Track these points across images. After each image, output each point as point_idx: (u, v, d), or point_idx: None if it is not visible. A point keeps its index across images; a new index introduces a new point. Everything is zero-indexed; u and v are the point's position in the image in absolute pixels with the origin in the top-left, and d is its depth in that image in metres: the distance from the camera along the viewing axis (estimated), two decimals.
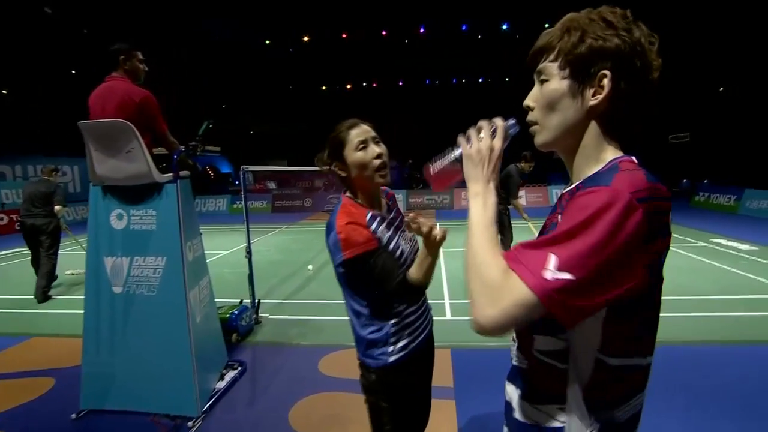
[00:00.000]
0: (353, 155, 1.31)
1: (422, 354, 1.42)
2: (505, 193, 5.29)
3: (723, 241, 7.50)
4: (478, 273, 0.66)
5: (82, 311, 2.62)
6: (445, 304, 4.50)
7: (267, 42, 18.72)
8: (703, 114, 16.00)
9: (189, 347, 2.52)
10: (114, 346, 2.59)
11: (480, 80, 21.89)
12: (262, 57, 19.79)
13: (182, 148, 2.69)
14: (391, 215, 1.44)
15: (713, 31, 13.78)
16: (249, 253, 4.17)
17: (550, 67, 0.74)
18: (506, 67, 19.39)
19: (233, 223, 11.29)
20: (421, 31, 17.92)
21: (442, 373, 2.95)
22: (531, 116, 0.79)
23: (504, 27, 17.25)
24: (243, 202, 4.15)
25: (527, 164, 5.30)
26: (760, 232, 8.22)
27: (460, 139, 0.81)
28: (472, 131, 0.81)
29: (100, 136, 2.44)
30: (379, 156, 1.31)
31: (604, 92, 0.70)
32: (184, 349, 2.52)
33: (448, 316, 4.18)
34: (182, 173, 2.66)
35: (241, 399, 2.79)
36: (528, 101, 0.80)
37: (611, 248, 0.58)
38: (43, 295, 5.03)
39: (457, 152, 0.84)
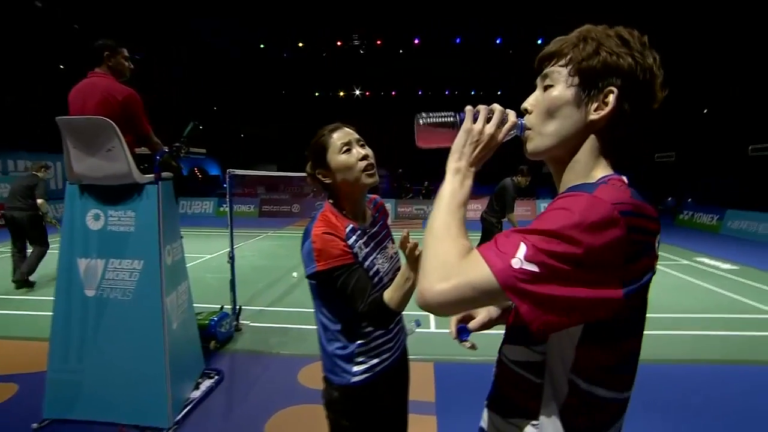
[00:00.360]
0: (337, 158, 1.24)
1: (393, 373, 1.36)
2: (499, 207, 5.20)
3: (706, 260, 7.62)
4: (439, 248, 0.64)
5: (50, 313, 2.51)
6: (430, 316, 4.45)
7: (262, 46, 18.70)
8: (688, 134, 16.39)
9: (163, 354, 2.42)
10: (83, 352, 2.47)
11: (472, 92, 22.14)
12: (256, 60, 19.75)
13: (166, 149, 2.62)
14: (374, 229, 1.36)
15: (701, 53, 14.20)
16: (232, 258, 4.08)
17: (558, 72, 0.72)
18: (499, 80, 19.68)
19: (219, 227, 11.11)
20: (416, 42, 18.10)
21: (424, 388, 2.89)
22: (527, 120, 0.77)
23: (497, 41, 17.53)
24: (228, 206, 4.08)
25: (524, 179, 5.14)
26: (740, 252, 8.39)
27: (468, 110, 0.76)
28: (482, 109, 0.76)
29: (79, 133, 2.36)
30: (364, 157, 1.25)
31: (608, 108, 0.68)
32: (158, 356, 2.42)
33: (432, 329, 4.13)
34: (164, 174, 2.58)
35: (216, 409, 2.69)
36: (526, 104, 0.77)
37: (584, 252, 0.56)
38: (22, 280, 5.14)
39: (458, 118, 0.78)
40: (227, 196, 4.08)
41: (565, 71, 0.71)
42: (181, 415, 2.52)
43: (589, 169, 0.73)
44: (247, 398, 2.82)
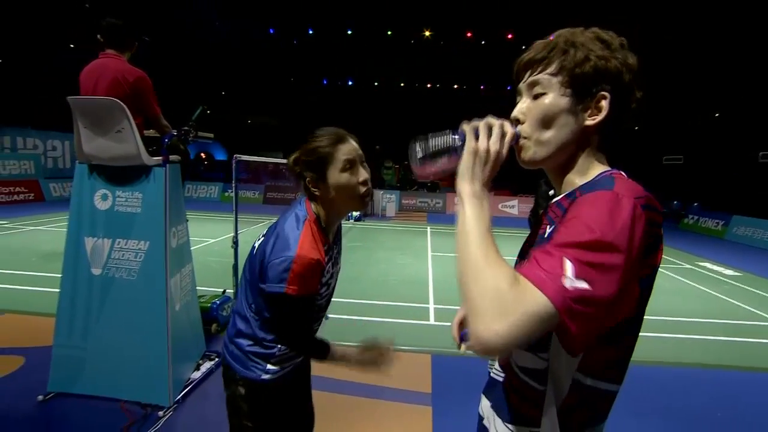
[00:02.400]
0: (338, 177, 1.14)
1: (302, 366, 1.33)
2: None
3: (709, 265, 7.60)
4: (485, 281, 0.57)
5: (57, 290, 2.56)
6: (429, 309, 4.49)
7: (271, 31, 18.58)
8: (698, 138, 16.23)
9: (165, 335, 2.47)
10: (88, 329, 2.52)
11: (482, 87, 21.95)
12: (265, 47, 19.63)
13: (174, 132, 2.63)
14: (338, 243, 1.32)
15: (715, 55, 13.98)
16: (236, 243, 4.11)
17: (549, 80, 0.71)
18: (509, 75, 19.47)
19: (223, 212, 11.18)
20: (427, 34, 17.93)
21: (421, 379, 2.93)
22: (523, 129, 0.75)
23: (509, 36, 17.32)
24: (234, 191, 4.10)
25: None
26: (744, 259, 8.36)
27: (468, 130, 0.71)
28: (481, 126, 0.71)
29: (89, 114, 2.37)
30: (365, 182, 1.17)
31: (603, 114, 0.70)
32: (161, 336, 2.47)
33: (432, 321, 4.16)
34: (172, 157, 2.61)
35: (215, 391, 2.74)
36: (517, 113, 0.76)
37: (626, 255, 0.55)
38: None
39: (457, 140, 0.73)
40: (233, 182, 4.11)
41: (555, 79, 0.71)
42: (181, 395, 2.57)
43: (587, 167, 0.74)
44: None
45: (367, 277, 5.66)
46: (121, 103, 2.29)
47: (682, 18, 12.87)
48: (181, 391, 2.60)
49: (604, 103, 0.69)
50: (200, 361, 2.97)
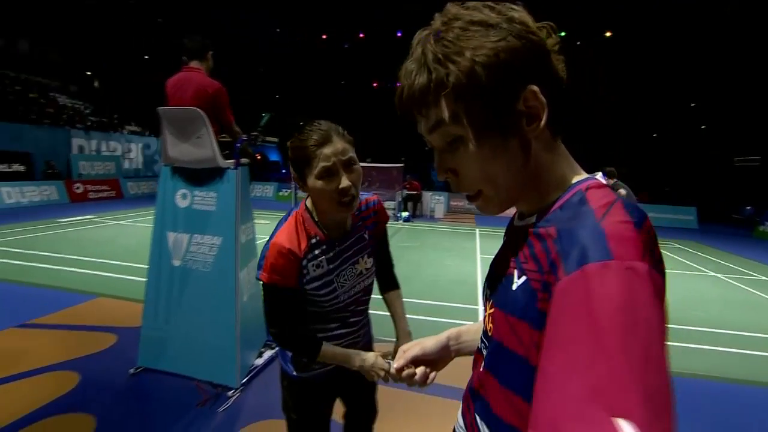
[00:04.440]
0: (314, 182, 1.08)
1: (337, 377, 1.32)
2: None
3: None
4: None
5: (142, 278, 2.88)
6: (478, 310, 4.50)
7: (324, 36, 19.19)
8: None
9: (235, 322, 2.71)
10: (170, 314, 2.83)
11: None
12: (317, 50, 20.29)
13: (245, 137, 2.89)
14: (347, 242, 1.22)
15: None
16: (287, 213, 4.36)
17: (454, 119, 0.53)
18: None
19: (279, 210, 11.73)
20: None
21: (463, 375, 2.97)
22: (465, 184, 0.58)
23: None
24: (292, 191, 4.35)
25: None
26: None
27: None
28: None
29: (175, 122, 2.67)
30: (344, 191, 1.07)
31: (544, 115, 0.52)
32: (231, 324, 2.71)
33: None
34: (243, 160, 2.86)
35: (275, 377, 2.95)
36: (442, 166, 0.59)
37: (660, 339, 0.39)
38: None
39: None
40: (292, 182, 4.36)
41: (462, 106, 0.52)
42: (246, 379, 2.81)
43: (551, 173, 0.57)
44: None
45: (419, 277, 5.75)
46: (202, 112, 2.56)
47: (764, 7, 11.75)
48: (247, 375, 2.84)
49: (537, 99, 0.51)
50: (262, 349, 3.21)
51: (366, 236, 1.27)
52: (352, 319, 1.28)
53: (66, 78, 14.61)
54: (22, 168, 11.60)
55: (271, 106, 21.38)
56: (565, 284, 0.43)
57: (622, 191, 5.22)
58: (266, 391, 2.75)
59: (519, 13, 0.52)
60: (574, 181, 0.57)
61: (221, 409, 2.49)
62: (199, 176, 2.80)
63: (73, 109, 14.57)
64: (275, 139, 3.15)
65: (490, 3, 0.53)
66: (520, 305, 0.53)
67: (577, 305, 0.41)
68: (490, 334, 0.61)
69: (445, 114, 0.53)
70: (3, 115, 11.99)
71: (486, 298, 0.67)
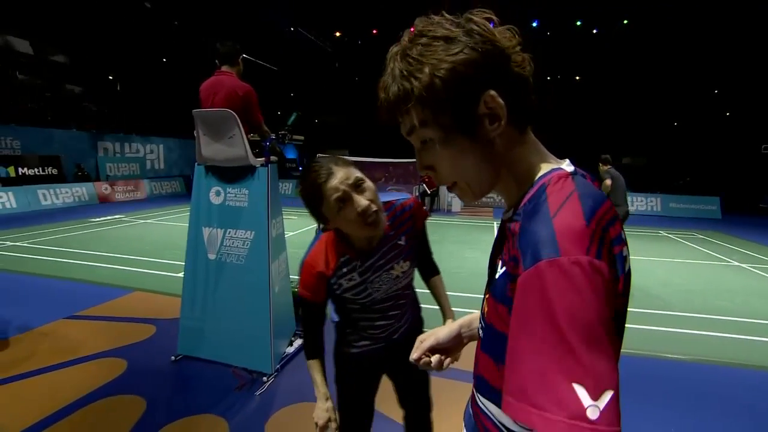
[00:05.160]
0: (334, 215, 1.12)
1: (375, 357, 1.44)
2: (620, 200, 5.22)
3: None
4: None
5: (175, 274, 3.05)
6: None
7: (337, 34, 19.28)
8: None
9: (268, 312, 2.86)
10: (206, 304, 3.00)
11: (576, 77, 20.77)
12: (330, 48, 20.40)
13: (273, 136, 3.02)
14: (381, 251, 1.25)
15: None
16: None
17: (423, 125, 0.62)
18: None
19: (298, 207, 11.92)
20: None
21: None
22: (442, 178, 0.67)
23: (534, 24, 16.25)
24: None
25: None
26: None
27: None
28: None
29: (208, 123, 2.82)
30: (364, 211, 1.09)
31: (504, 116, 0.59)
32: (264, 313, 2.87)
33: None
34: (272, 159, 3.00)
35: (305, 364, 3.10)
36: (423, 165, 0.67)
37: (603, 324, 0.47)
38: None
39: None
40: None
41: (429, 113, 0.60)
42: (279, 365, 2.97)
43: (522, 165, 0.65)
44: (329, 357, 3.20)
45: (442, 269, 5.83)
46: (234, 113, 2.71)
47: None
48: (279, 362, 2.99)
49: (496, 103, 0.58)
50: (292, 338, 3.36)
51: (402, 242, 1.28)
52: (391, 312, 1.38)
53: (91, 83, 15.09)
54: (54, 171, 12.09)
55: (290, 105, 21.63)
56: (523, 278, 0.51)
57: (608, 182, 5.18)
58: (298, 377, 2.90)
59: (478, 25, 0.59)
60: (541, 173, 0.63)
61: (258, 392, 2.65)
62: (231, 174, 2.95)
63: (98, 112, 15.06)
64: (301, 138, 3.29)
65: (452, 17, 0.60)
66: (500, 291, 0.62)
67: (532, 297, 0.49)
68: (485, 317, 0.70)
69: (415, 121, 0.61)
70: (35, 120, 12.52)
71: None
